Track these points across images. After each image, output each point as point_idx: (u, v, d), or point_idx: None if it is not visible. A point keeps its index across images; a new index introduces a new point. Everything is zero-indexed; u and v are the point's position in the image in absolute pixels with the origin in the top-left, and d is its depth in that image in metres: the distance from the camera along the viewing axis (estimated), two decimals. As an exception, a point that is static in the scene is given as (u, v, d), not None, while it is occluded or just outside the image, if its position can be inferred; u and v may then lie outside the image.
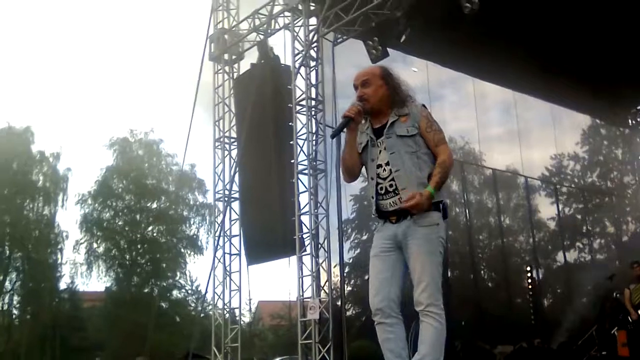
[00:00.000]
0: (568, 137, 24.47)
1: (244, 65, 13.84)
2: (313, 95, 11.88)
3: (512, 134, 17.97)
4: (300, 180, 11.73)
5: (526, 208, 25.00)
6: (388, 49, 11.35)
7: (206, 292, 14.50)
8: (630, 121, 17.88)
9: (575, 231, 27.87)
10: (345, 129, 3.79)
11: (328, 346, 10.78)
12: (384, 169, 3.74)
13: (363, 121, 3.89)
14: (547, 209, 27.05)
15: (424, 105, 3.86)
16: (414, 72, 14.16)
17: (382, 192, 3.74)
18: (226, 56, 13.99)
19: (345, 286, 24.63)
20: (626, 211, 25.33)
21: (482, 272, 26.07)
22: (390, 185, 3.71)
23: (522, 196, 26.67)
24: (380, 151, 3.78)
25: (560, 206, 27.13)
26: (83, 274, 35.59)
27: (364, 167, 3.92)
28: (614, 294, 12.27)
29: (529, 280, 16.95)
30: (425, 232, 3.63)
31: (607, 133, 28.27)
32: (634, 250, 18.20)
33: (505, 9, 11.41)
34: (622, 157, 25.67)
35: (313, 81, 11.95)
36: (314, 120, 11.80)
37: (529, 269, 17.41)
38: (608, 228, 27.92)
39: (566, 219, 27.46)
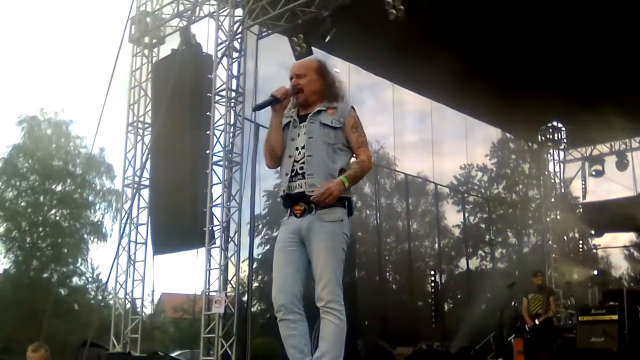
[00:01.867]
0: (478, 148, 25.22)
1: (164, 51, 13.59)
2: (234, 87, 11.76)
3: (426, 142, 18.38)
4: (215, 172, 11.59)
5: (434, 214, 25.58)
6: (312, 47, 11.34)
7: (108, 280, 14.12)
8: (539, 137, 18.51)
9: (479, 239, 28.74)
10: (271, 110, 3.81)
11: (231, 341, 10.70)
12: (300, 152, 3.74)
13: (291, 107, 3.91)
14: (453, 217, 27.80)
15: (353, 107, 3.88)
16: (335, 72, 14.22)
17: (293, 173, 3.73)
18: (146, 39, 13.69)
19: (253, 282, 24.55)
20: (528, 224, 26.26)
21: (387, 274, 26.48)
22: (301, 168, 3.70)
23: (430, 202, 27.29)
24: (299, 134, 3.78)
25: (466, 214, 27.91)
26: (-20, 253, 34.21)
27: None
28: (512, 303, 12.66)
29: (432, 285, 17.29)
30: (329, 228, 3.62)
31: (515, 147, 29.23)
32: (534, 262, 18.87)
33: (429, 19, 11.61)
34: (528, 172, 26.56)
35: (234, 72, 11.83)
36: (232, 112, 11.68)
37: (432, 273, 17.77)
38: (510, 239, 28.93)
39: (471, 227, 28.28)
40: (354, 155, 3.79)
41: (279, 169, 3.90)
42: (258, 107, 3.88)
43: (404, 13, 9.95)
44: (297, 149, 3.76)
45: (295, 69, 3.90)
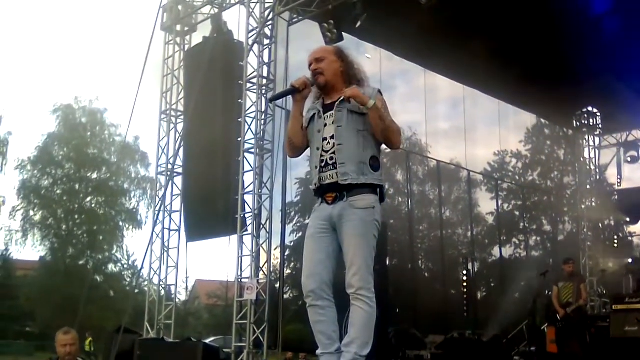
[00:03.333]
0: (513, 134, 24.89)
1: (196, 38, 13.63)
2: (265, 74, 11.75)
3: (459, 128, 18.24)
4: (246, 159, 11.61)
5: (467, 202, 25.38)
6: (343, 33, 11.29)
7: (142, 267, 14.28)
8: (574, 122, 18.24)
9: (513, 227, 28.47)
10: (292, 100, 3.79)
11: (263, 327, 10.75)
12: (328, 142, 3.70)
13: (315, 100, 3.87)
14: (486, 204, 27.58)
15: (379, 91, 3.81)
16: (367, 58, 14.16)
17: (323, 164, 3.69)
18: (178, 27, 13.75)
19: (285, 269, 24.66)
20: (563, 211, 25.97)
21: (420, 262, 26.40)
22: (331, 159, 3.66)
23: (463, 190, 27.07)
24: (326, 124, 3.74)
25: (500, 202, 27.66)
26: (18, 241, 34.88)
27: (308, 147, 3.88)
28: (546, 291, 12.52)
29: (465, 273, 17.18)
30: (361, 215, 3.60)
31: (550, 133, 28.89)
32: (568, 250, 18.65)
33: (462, 2, 11.48)
34: (563, 158, 26.24)
35: (265, 60, 11.82)
36: (264, 99, 11.67)
37: (465, 261, 17.66)
38: (544, 226, 28.63)
39: (504, 214, 28.04)
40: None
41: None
42: (275, 98, 3.89)
43: (435, -3, 9.86)
44: (325, 139, 3.72)
45: (313, 54, 3.86)
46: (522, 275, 18.65)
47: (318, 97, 3.88)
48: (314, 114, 3.82)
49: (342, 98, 3.72)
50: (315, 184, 3.75)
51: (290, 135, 3.83)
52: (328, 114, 3.76)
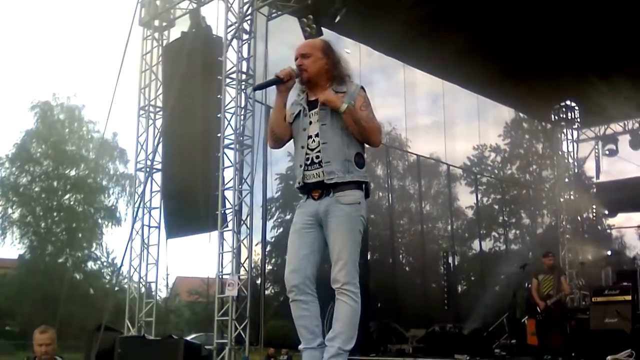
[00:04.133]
0: (491, 129, 24.96)
1: (174, 34, 13.58)
2: (244, 69, 11.71)
3: (438, 123, 18.23)
4: (226, 155, 11.58)
5: (446, 195, 25.46)
6: (323, 28, 11.26)
7: (122, 264, 14.21)
8: (552, 117, 18.39)
9: (492, 221, 28.63)
10: (276, 90, 3.77)
11: (244, 324, 10.73)
12: (313, 140, 3.70)
13: (300, 93, 3.87)
14: (466, 198, 27.63)
15: (362, 87, 3.83)
16: (346, 53, 14.14)
17: (308, 162, 3.70)
18: (156, 22, 13.69)
19: (266, 265, 24.60)
20: (542, 204, 26.08)
21: (400, 256, 26.42)
22: (317, 157, 3.67)
23: (443, 184, 27.15)
24: (311, 122, 3.74)
25: (479, 195, 27.79)
26: (-3, 239, 34.45)
27: (291, 139, 3.88)
28: (526, 284, 12.60)
29: (445, 267, 17.26)
30: (347, 210, 3.61)
31: (529, 127, 29.00)
32: (548, 243, 18.75)
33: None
34: (542, 152, 26.39)
35: (244, 55, 11.78)
36: (243, 95, 11.63)
37: (445, 255, 17.74)
38: (523, 220, 28.74)
39: (484, 208, 28.17)
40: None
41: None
42: (259, 87, 3.88)
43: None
44: (310, 137, 3.72)
45: (300, 49, 3.85)
46: (502, 268, 18.76)
47: (303, 90, 3.88)
48: (300, 111, 3.81)
49: None
50: (299, 182, 3.75)
51: (273, 125, 3.83)
52: (313, 111, 3.76)
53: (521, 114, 23.96)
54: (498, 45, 13.44)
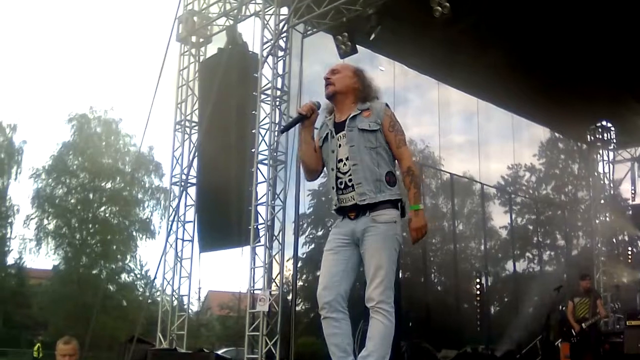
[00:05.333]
0: (526, 148, 24.78)
1: (211, 50, 13.73)
2: (279, 86, 11.80)
3: (473, 142, 18.17)
4: (260, 170, 11.64)
5: (480, 215, 25.21)
6: (357, 46, 11.32)
7: (155, 277, 14.31)
8: (588, 137, 18.18)
9: (526, 241, 28.25)
10: (299, 126, 3.79)
11: (275, 339, 10.73)
12: (344, 163, 3.72)
13: (327, 115, 3.89)
14: (500, 218, 27.35)
15: (387, 105, 3.84)
16: (380, 71, 14.19)
17: (342, 186, 3.72)
18: (193, 38, 13.85)
19: (297, 281, 24.58)
20: (577, 226, 25.75)
21: (432, 275, 26.23)
22: (349, 180, 3.69)
23: (476, 203, 26.89)
24: (340, 145, 3.76)
25: (514, 215, 27.48)
26: (32, 250, 34.95)
27: (324, 166, 3.90)
28: (560, 307, 12.43)
29: (478, 287, 17.09)
30: (383, 229, 3.61)
31: (564, 147, 28.71)
32: (582, 265, 18.51)
33: (475, 15, 11.47)
34: (577, 172, 26.06)
35: (280, 71, 11.87)
36: (277, 111, 11.71)
37: (478, 275, 17.56)
38: (558, 241, 28.34)
39: (518, 228, 27.84)
40: (395, 156, 3.76)
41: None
42: (286, 128, 3.90)
43: (449, 10, 9.88)
44: (340, 160, 3.74)
45: (332, 67, 3.92)
46: (536, 290, 18.51)
47: (330, 111, 3.90)
48: (327, 134, 3.83)
49: (352, 115, 3.75)
50: (336, 205, 3.78)
51: (306, 160, 3.86)
52: (340, 133, 3.77)
53: (557, 134, 23.74)
54: (533, 64, 13.35)
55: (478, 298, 16.76)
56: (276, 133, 11.61)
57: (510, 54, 12.60)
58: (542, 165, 30.98)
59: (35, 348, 24.55)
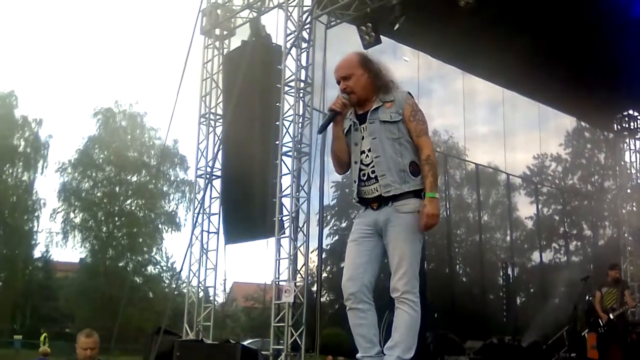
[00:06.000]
0: (552, 138, 24.60)
1: (235, 42, 13.74)
2: (302, 78, 11.79)
3: (498, 132, 18.06)
4: (284, 162, 11.66)
5: (505, 205, 25.08)
6: (381, 36, 11.27)
7: (181, 269, 14.42)
8: (615, 126, 17.98)
9: (552, 232, 28.08)
10: (332, 123, 3.76)
11: (300, 330, 10.76)
12: (367, 155, 3.71)
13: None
14: (526, 208, 27.21)
15: (409, 93, 3.81)
16: (405, 61, 14.14)
17: (365, 178, 3.71)
18: (217, 31, 13.87)
19: (322, 272, 24.62)
20: (604, 215, 25.52)
21: (457, 266, 26.17)
22: (373, 172, 3.67)
23: (502, 193, 26.77)
24: (363, 137, 3.74)
25: (540, 206, 27.31)
26: (58, 243, 35.44)
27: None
28: (587, 297, 12.34)
29: (503, 278, 17.02)
30: (407, 219, 3.60)
31: (591, 136, 28.46)
32: (609, 255, 18.32)
33: (500, 6, 11.39)
34: (604, 162, 25.81)
35: (303, 63, 11.85)
36: (301, 103, 11.71)
37: (504, 266, 17.47)
38: (585, 231, 28.15)
39: (544, 219, 27.67)
40: (416, 145, 3.71)
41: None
42: (323, 128, 3.85)
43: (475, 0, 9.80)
44: (363, 152, 3.73)
45: (340, 72, 3.81)
46: (562, 280, 18.38)
47: (350, 105, 3.85)
48: (350, 126, 3.81)
49: (373, 107, 3.73)
50: (357, 197, 3.77)
51: (339, 154, 3.82)
52: (362, 126, 3.76)
53: (583, 123, 23.51)
54: (559, 53, 13.21)
55: (504, 289, 16.69)
56: (300, 125, 11.61)
57: (536, 43, 12.48)
58: (569, 155, 30.74)
59: (42, 338, 24.86)
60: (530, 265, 27.62)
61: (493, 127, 19.57)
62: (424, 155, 3.67)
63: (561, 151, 30.29)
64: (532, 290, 26.20)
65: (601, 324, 10.88)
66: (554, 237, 28.23)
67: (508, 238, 24.83)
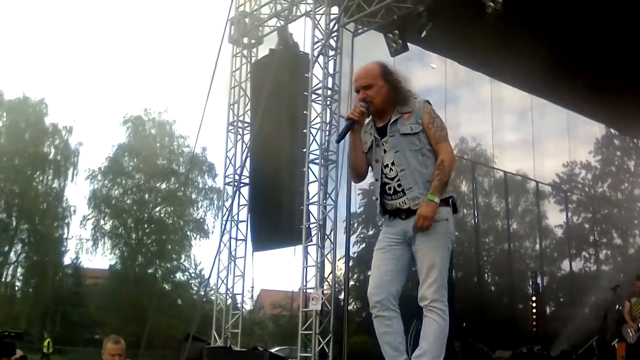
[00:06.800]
0: (582, 145, 24.34)
1: (262, 50, 13.84)
2: (329, 85, 11.83)
3: (527, 139, 17.91)
4: (311, 170, 11.70)
5: (535, 214, 24.82)
6: (408, 43, 11.27)
7: (210, 276, 14.48)
8: (645, 133, 17.79)
9: (582, 240, 27.70)
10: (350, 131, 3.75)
11: (328, 338, 10.76)
12: (391, 169, 3.69)
13: (366, 120, 3.83)
14: (555, 216, 26.89)
15: (427, 102, 3.77)
16: (432, 68, 14.12)
17: (391, 192, 3.69)
18: (245, 40, 13.97)
19: (349, 280, 24.52)
20: (634, 224, 25.18)
21: (486, 275, 25.96)
22: (399, 185, 3.66)
23: (531, 201, 26.50)
24: (384, 150, 3.72)
25: (569, 214, 27.00)
26: (88, 250, 35.72)
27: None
28: (617, 306, 12.19)
29: (533, 287, 16.86)
30: (435, 227, 3.57)
31: (620, 144, 28.08)
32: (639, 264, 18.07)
33: (528, 12, 11.33)
34: (634, 169, 25.50)
35: (330, 71, 11.91)
36: (328, 110, 11.76)
37: (533, 275, 17.31)
38: (615, 239, 27.79)
39: (574, 227, 27.31)
40: (435, 152, 3.67)
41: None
42: (341, 137, 3.83)
43: (502, 5, 9.77)
44: (386, 166, 3.70)
45: (361, 81, 3.79)
46: (592, 289, 18.16)
47: (368, 116, 3.83)
48: (372, 142, 3.78)
49: (392, 120, 3.70)
50: (383, 211, 3.76)
51: (356, 164, 3.82)
52: (384, 139, 3.73)
53: (612, 130, 23.26)
54: (588, 60, 13.11)
55: (533, 298, 16.52)
56: (327, 133, 11.64)
57: (565, 50, 12.40)
58: (598, 163, 30.34)
59: (45, 343, 25.12)
60: (560, 274, 27.28)
61: (521, 135, 19.45)
62: (438, 160, 3.63)
63: (591, 158, 29.91)
64: (561, 299, 25.86)
65: (630, 334, 10.74)
66: (583, 246, 27.85)
67: (537, 246, 24.52)
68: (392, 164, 3.68)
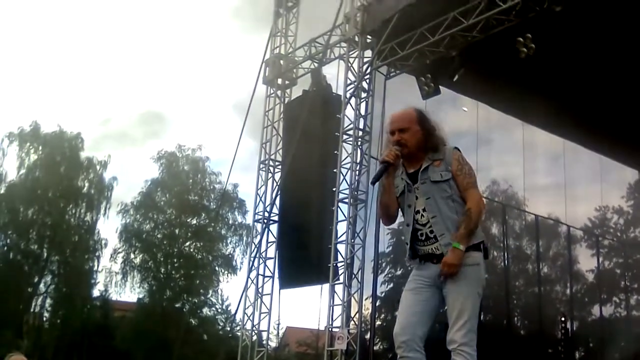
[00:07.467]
0: (614, 190, 24.12)
1: (296, 91, 14.04)
2: (361, 126, 11.97)
3: (558, 183, 17.84)
4: (340, 209, 11.79)
5: (566, 258, 24.54)
6: (440, 87, 11.39)
7: (236, 312, 14.55)
8: (677, 179, 17.63)
9: (613, 285, 27.28)
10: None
11: (353, 377, 10.72)
12: (422, 215, 3.74)
13: (398, 165, 3.88)
14: (587, 261, 26.52)
15: (456, 148, 3.83)
16: (464, 111, 14.21)
17: (423, 238, 3.74)
18: (279, 81, 14.19)
19: (375, 320, 24.35)
20: (666, 270, 24.83)
21: (515, 318, 25.62)
22: (431, 232, 3.70)
23: (562, 245, 26.19)
24: (416, 197, 3.77)
25: (601, 259, 26.64)
26: (117, 283, 35.84)
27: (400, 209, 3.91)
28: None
29: (563, 332, 16.65)
30: (467, 272, 3.61)
31: (653, 189, 27.77)
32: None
33: (560, 57, 11.40)
34: (666, 215, 25.16)
35: (362, 112, 12.06)
36: (359, 151, 11.88)
37: (563, 319, 17.10)
38: (646, 285, 27.36)
39: (605, 272, 26.91)
40: (463, 199, 3.72)
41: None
42: (375, 180, 3.90)
43: (534, 51, 9.86)
44: (417, 212, 3.75)
45: (397, 124, 3.85)
46: (622, 335, 17.86)
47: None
48: (404, 187, 3.83)
49: (423, 167, 3.75)
50: (412, 255, 3.80)
51: (388, 206, 3.86)
52: (415, 186, 3.78)
53: (645, 176, 23.06)
54: (621, 105, 13.10)
55: (562, 342, 16.31)
56: (357, 173, 11.74)
57: (597, 95, 12.41)
58: (630, 208, 29.98)
59: None
60: (590, 319, 26.86)
61: (553, 178, 19.35)
62: (466, 207, 3.68)
63: (623, 203, 29.61)
64: (591, 345, 25.44)
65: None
66: (614, 291, 27.43)
67: (568, 291, 24.22)
68: (424, 210, 3.72)
